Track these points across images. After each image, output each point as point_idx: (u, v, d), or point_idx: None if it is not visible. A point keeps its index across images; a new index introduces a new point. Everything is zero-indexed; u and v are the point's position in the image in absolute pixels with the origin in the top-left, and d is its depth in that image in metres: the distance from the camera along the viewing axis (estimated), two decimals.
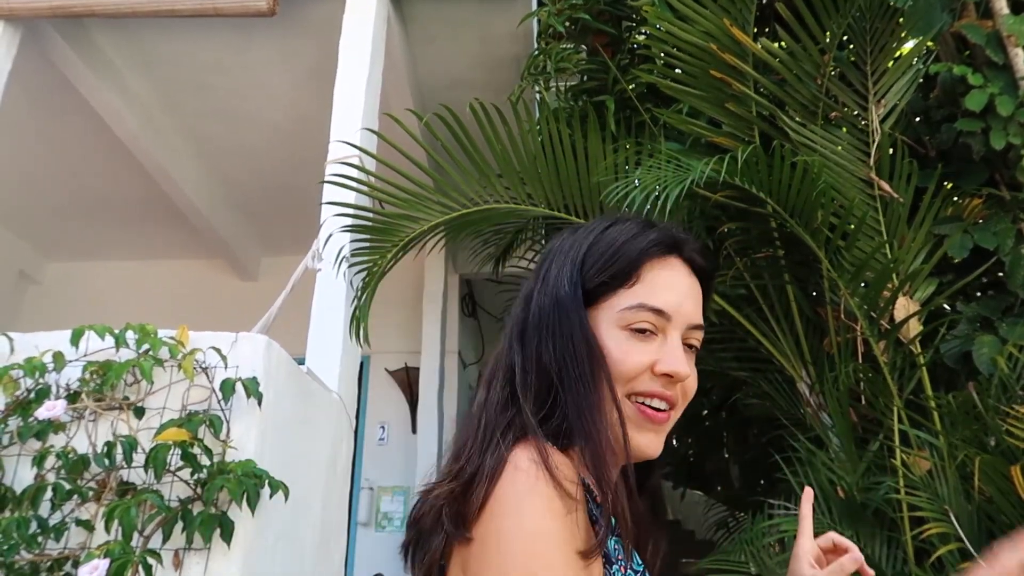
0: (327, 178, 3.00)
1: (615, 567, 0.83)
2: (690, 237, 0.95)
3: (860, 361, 2.72)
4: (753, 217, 2.96)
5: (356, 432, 3.29)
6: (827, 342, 2.86)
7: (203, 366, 2.14)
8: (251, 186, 5.52)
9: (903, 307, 2.69)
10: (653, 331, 0.88)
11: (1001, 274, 2.89)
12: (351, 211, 2.90)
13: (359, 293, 2.88)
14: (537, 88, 4.04)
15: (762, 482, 4.41)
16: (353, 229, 2.91)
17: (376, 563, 5.22)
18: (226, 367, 2.14)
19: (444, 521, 0.78)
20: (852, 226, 2.66)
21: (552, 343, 0.88)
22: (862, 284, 2.70)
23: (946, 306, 3.01)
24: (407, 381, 5.78)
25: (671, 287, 0.90)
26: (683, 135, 3.27)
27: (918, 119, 3.30)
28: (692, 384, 0.90)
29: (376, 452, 5.69)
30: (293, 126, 4.80)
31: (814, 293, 3.07)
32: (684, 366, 0.87)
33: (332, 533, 2.70)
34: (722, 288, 3.03)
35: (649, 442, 0.88)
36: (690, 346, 0.91)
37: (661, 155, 2.76)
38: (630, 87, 3.74)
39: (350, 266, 2.95)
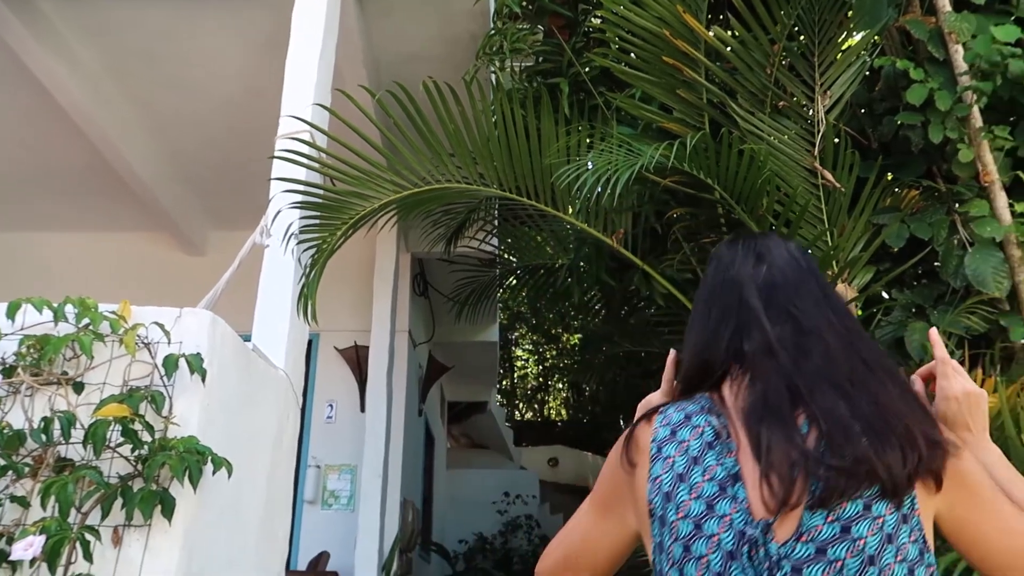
0: (276, 153, 2.96)
1: None
2: None
3: None
4: (701, 203, 3.01)
5: (304, 410, 3.28)
6: None
7: (145, 341, 2.11)
8: (200, 158, 5.40)
9: (842, 293, 2.77)
10: None
11: (937, 264, 2.99)
12: (301, 187, 2.87)
13: (307, 270, 2.86)
14: (492, 68, 4.03)
15: None
16: (302, 206, 2.88)
17: (322, 541, 5.21)
18: (169, 343, 2.11)
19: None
20: (795, 214, 2.72)
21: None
22: None
23: (884, 293, 3.11)
24: (356, 359, 5.75)
25: None
26: (635, 120, 3.31)
27: (862, 111, 3.38)
28: None
29: (324, 430, 5.67)
30: (244, 98, 4.69)
31: None
32: None
33: (277, 510, 2.69)
34: (669, 272, 3.08)
35: None
36: None
37: (613, 139, 2.79)
38: (585, 70, 3.76)
39: (299, 243, 2.92)
